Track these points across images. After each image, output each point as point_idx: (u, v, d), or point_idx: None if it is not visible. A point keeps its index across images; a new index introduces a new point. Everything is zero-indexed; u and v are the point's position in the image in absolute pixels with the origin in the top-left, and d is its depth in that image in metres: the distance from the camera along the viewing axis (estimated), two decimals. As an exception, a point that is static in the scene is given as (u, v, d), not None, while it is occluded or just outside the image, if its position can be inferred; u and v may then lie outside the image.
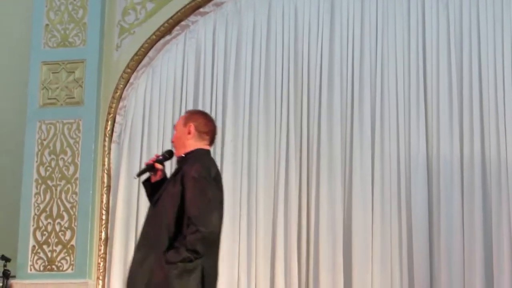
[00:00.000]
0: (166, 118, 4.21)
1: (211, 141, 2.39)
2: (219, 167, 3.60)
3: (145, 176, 2.43)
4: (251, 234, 3.81)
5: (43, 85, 4.13)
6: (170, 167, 3.06)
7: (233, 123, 4.03)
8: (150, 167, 2.34)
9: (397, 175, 3.66)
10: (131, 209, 4.06)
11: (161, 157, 2.41)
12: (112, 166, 4.08)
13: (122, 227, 3.91)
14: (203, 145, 2.31)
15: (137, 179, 2.97)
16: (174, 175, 2.33)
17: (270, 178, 3.85)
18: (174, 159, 2.40)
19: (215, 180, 2.24)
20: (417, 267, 3.57)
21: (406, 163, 3.66)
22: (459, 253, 3.49)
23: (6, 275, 3.86)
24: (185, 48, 4.15)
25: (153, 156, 2.53)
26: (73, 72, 4.10)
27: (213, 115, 3.80)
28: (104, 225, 3.95)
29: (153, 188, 2.38)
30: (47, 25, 4.16)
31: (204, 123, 2.39)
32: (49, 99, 4.11)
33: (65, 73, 4.11)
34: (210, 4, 4.08)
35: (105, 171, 4.04)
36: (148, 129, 4.12)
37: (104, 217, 3.98)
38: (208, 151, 2.33)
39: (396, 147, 3.68)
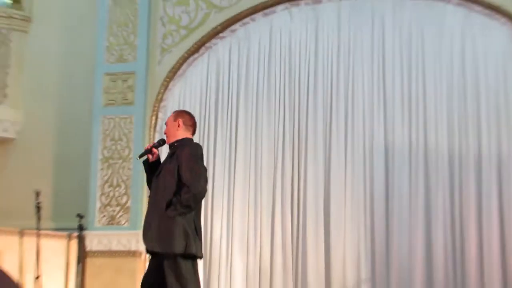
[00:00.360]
0: (194, 114, 4.55)
1: (193, 132, 2.72)
2: (234, 149, 4.48)
3: (144, 158, 2.78)
4: (257, 199, 4.48)
5: (105, 90, 4.77)
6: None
7: (244, 117, 4.67)
8: (148, 151, 2.67)
9: (363, 157, 4.32)
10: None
11: (156, 144, 2.73)
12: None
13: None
14: (188, 135, 2.64)
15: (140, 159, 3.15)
16: (170, 156, 2.64)
17: (271, 160, 4.52)
18: (166, 146, 2.74)
19: (200, 158, 2.55)
20: (377, 223, 4.23)
21: (369, 147, 4.31)
22: (407, 212, 4.16)
23: (81, 228, 4.47)
24: (208, 63, 4.81)
25: (150, 143, 2.95)
26: (127, 80, 4.72)
27: (228, 112, 4.68)
28: (150, 192, 4.58)
29: (150, 166, 2.72)
30: (107, 46, 4.81)
31: (188, 119, 2.71)
32: (109, 100, 4.76)
33: (121, 82, 4.75)
34: (227, 30, 4.69)
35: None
36: (181, 122, 4.70)
37: (150, 186, 4.59)
38: (192, 139, 2.67)
39: (362, 136, 4.34)
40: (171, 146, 2.65)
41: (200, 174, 2.49)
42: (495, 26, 4.20)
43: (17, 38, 5.18)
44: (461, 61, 4.24)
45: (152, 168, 2.66)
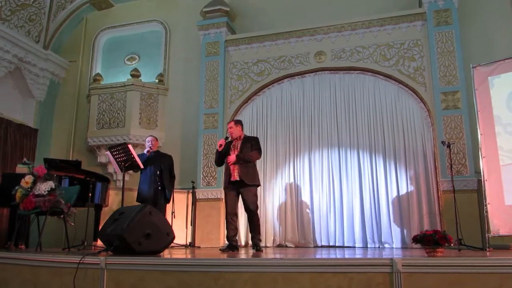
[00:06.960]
0: (246, 133, 6.65)
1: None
2: (265, 149, 7.32)
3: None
4: (277, 171, 7.20)
5: (204, 121, 7.37)
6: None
7: (269, 133, 7.18)
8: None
9: (327, 151, 7.04)
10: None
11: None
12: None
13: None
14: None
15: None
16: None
17: (284, 152, 7.12)
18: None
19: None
20: (335, 185, 7.04)
21: (330, 145, 7.04)
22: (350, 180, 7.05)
23: (193, 187, 7.13)
24: (252, 108, 7.39)
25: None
26: (214, 117, 7.30)
27: (263, 131, 7.25)
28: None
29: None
30: (204, 101, 7.41)
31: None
32: (206, 125, 7.39)
33: (211, 117, 7.31)
34: (260, 92, 7.33)
35: (227, 149, 7.35)
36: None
37: (226, 167, 8.05)
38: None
39: (326, 140, 7.04)
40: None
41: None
42: (389, 84, 7.11)
43: (162, 97, 8.22)
44: (373, 102, 6.91)
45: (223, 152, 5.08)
